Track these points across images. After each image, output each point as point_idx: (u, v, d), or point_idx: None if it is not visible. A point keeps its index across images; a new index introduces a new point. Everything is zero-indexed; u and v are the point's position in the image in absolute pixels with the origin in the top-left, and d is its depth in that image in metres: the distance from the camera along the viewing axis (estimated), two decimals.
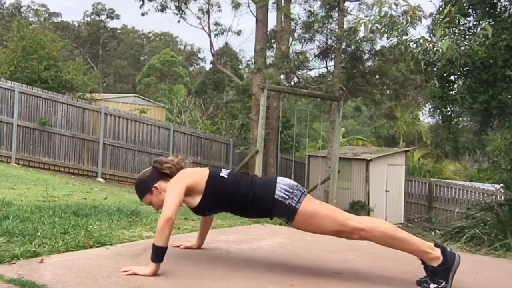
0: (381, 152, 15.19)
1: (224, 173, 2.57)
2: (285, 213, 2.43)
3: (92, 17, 46.51)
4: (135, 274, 2.27)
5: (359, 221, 2.40)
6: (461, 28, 7.15)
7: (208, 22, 18.16)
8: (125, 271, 2.30)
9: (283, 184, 2.47)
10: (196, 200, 2.49)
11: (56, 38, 15.21)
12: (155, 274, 2.29)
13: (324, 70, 15.30)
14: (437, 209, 16.16)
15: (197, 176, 2.52)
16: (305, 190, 2.52)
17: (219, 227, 3.97)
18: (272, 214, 2.51)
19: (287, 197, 2.42)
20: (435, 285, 2.31)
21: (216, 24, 18.63)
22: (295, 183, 2.51)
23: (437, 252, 2.34)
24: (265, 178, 2.61)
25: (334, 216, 2.41)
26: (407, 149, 17.55)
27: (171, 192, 2.41)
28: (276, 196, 2.42)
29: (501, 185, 8.72)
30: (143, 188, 2.63)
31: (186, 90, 28.43)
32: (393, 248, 2.44)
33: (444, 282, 2.30)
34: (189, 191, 2.47)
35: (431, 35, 6.66)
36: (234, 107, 18.20)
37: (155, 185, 2.58)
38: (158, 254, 2.29)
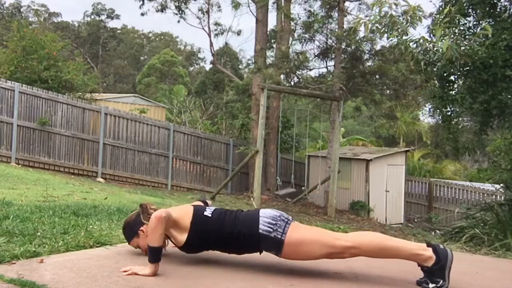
0: (381, 152, 15.19)
1: (208, 211, 2.55)
2: (272, 246, 2.42)
3: (92, 17, 46.51)
4: (135, 274, 2.28)
5: (346, 240, 2.40)
6: (461, 28, 7.15)
7: (208, 22, 18.18)
8: (125, 271, 2.30)
9: (266, 217, 2.44)
10: (183, 237, 2.48)
11: (56, 38, 15.21)
12: (154, 274, 2.29)
13: (324, 70, 15.32)
14: (437, 209, 16.17)
15: (182, 212, 2.52)
16: (290, 218, 2.48)
17: None
18: (260, 249, 2.50)
19: (271, 230, 2.40)
20: (433, 285, 2.31)
21: (216, 24, 18.65)
22: (278, 214, 2.48)
23: (429, 252, 2.35)
24: (248, 214, 2.56)
25: (322, 240, 2.40)
26: (407, 149, 17.54)
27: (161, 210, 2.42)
28: (260, 231, 2.40)
29: (501, 185, 8.72)
30: (130, 231, 2.64)
31: (186, 90, 28.43)
32: (384, 258, 2.45)
33: (441, 281, 2.30)
34: (175, 225, 2.47)
35: (431, 35, 6.66)
36: (234, 107, 18.20)
37: (142, 228, 2.57)
38: (154, 254, 2.30)
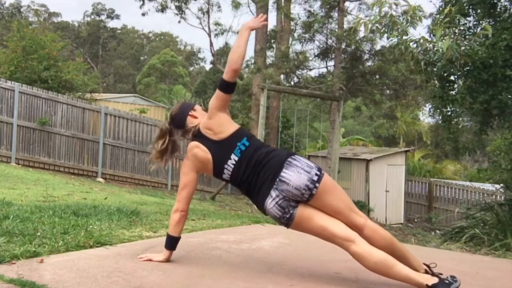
0: (381, 152, 15.19)
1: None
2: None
3: (92, 17, 46.53)
4: (150, 260, 2.56)
5: (345, 230, 2.38)
6: (461, 28, 7.15)
7: (208, 22, 18.18)
8: (141, 258, 2.59)
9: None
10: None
11: (56, 38, 15.20)
12: (167, 260, 2.58)
13: (324, 70, 15.32)
14: (437, 209, 16.16)
15: (226, 128, 2.61)
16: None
17: (219, 227, 3.97)
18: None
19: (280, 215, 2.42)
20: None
21: (216, 24, 18.63)
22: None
23: (432, 280, 2.24)
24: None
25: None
26: (407, 149, 17.54)
27: (184, 182, 2.61)
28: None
29: (501, 185, 8.72)
30: (181, 116, 2.75)
31: (186, 91, 28.43)
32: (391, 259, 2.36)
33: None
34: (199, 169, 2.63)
35: (431, 35, 6.66)
36: (234, 107, 18.20)
37: (191, 113, 2.76)
38: (172, 242, 2.58)
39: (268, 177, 2.38)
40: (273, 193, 2.35)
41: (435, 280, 2.23)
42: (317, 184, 2.33)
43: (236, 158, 2.48)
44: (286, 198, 2.33)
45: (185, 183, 2.60)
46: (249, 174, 2.44)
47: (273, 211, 2.36)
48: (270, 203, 2.35)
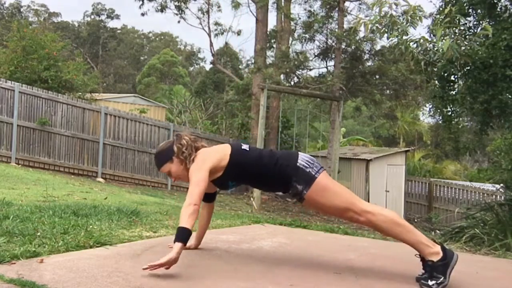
0: (381, 152, 15.19)
1: (245, 146, 2.71)
2: (304, 180, 2.53)
3: (92, 17, 46.53)
4: (161, 264, 2.24)
5: (367, 205, 2.52)
6: (462, 28, 7.15)
7: (208, 22, 18.18)
8: (150, 267, 2.24)
9: (305, 156, 2.63)
10: (219, 173, 2.60)
11: (56, 38, 15.19)
12: (179, 255, 2.28)
13: (324, 70, 15.32)
14: (437, 209, 16.16)
15: (220, 155, 2.61)
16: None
17: (219, 227, 3.97)
18: (290, 182, 2.56)
19: (308, 166, 2.56)
20: (433, 282, 2.33)
21: (216, 24, 18.65)
22: (315, 159, 2.67)
23: (437, 247, 2.39)
24: (286, 151, 2.77)
25: (346, 195, 2.54)
26: (407, 149, 17.55)
27: (196, 181, 2.47)
28: (298, 164, 2.56)
29: (501, 185, 8.72)
30: (164, 156, 2.70)
31: (186, 91, 28.43)
32: (395, 237, 2.49)
33: (442, 277, 2.32)
34: (212, 171, 2.56)
35: (432, 35, 6.66)
36: (234, 106, 18.21)
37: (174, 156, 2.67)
38: (184, 235, 2.31)
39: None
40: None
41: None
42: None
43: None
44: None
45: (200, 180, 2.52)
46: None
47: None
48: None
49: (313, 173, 2.54)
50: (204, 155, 2.61)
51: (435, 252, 2.37)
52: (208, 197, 2.84)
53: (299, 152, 2.67)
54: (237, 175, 2.63)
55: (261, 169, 2.59)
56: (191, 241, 2.89)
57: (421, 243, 2.40)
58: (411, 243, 2.42)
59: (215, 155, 2.62)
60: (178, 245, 2.29)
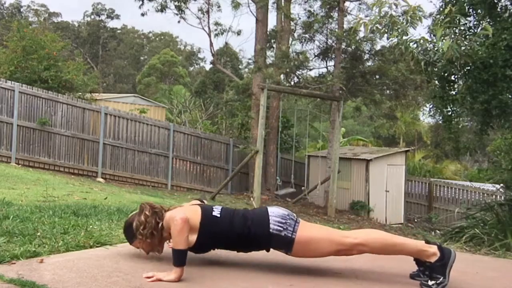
0: (381, 152, 15.18)
1: (216, 211, 2.52)
2: (282, 244, 2.44)
3: (92, 17, 46.53)
4: (160, 280, 2.21)
5: (354, 237, 2.43)
6: (462, 28, 7.14)
7: (208, 22, 18.16)
8: (148, 277, 2.23)
9: (275, 216, 2.45)
10: (193, 238, 2.43)
11: (56, 38, 15.20)
12: (180, 278, 2.24)
13: (324, 70, 15.30)
14: (437, 209, 16.15)
15: (190, 212, 2.47)
16: (296, 217, 2.51)
17: None
18: (269, 247, 2.51)
19: (282, 229, 2.42)
20: (433, 282, 2.33)
21: (216, 24, 18.62)
22: (286, 212, 2.50)
23: (434, 248, 2.39)
24: (257, 212, 2.55)
25: (331, 238, 2.43)
26: (407, 149, 17.52)
27: (176, 223, 2.31)
28: (271, 230, 2.42)
29: (501, 185, 8.72)
30: (130, 233, 2.56)
31: (186, 91, 28.43)
32: (392, 254, 2.47)
33: (442, 277, 2.33)
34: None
35: (432, 35, 6.66)
36: (234, 106, 18.20)
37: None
38: (180, 257, 2.27)
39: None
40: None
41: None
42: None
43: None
44: None
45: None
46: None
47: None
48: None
49: (289, 235, 2.40)
50: (176, 209, 2.47)
51: (432, 253, 2.38)
52: None
53: (269, 212, 2.46)
54: (211, 244, 2.51)
55: (235, 237, 2.46)
56: None
57: (418, 250, 2.40)
58: (409, 254, 2.43)
59: (185, 210, 2.46)
60: (178, 269, 2.26)
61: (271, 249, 2.53)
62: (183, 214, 2.33)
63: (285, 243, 2.42)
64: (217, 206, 2.62)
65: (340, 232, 2.50)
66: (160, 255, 2.62)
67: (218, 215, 2.50)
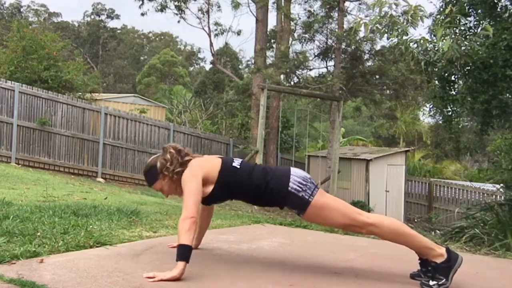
0: (381, 152, 15.18)
1: (236, 163, 2.57)
2: (297, 205, 2.45)
3: (92, 17, 46.54)
4: (162, 280, 2.19)
5: (368, 216, 2.45)
6: (462, 28, 7.15)
7: (208, 22, 18.17)
8: (149, 277, 2.21)
9: (297, 176, 2.48)
10: (208, 189, 2.48)
11: (56, 38, 15.19)
12: (182, 275, 2.23)
13: (324, 70, 15.30)
14: (437, 209, 16.15)
15: (210, 166, 2.51)
16: (317, 183, 2.56)
17: (219, 227, 3.97)
18: (283, 205, 2.53)
19: (300, 190, 2.44)
20: (434, 282, 2.32)
21: (216, 24, 18.64)
22: (308, 176, 2.53)
23: (442, 249, 2.38)
24: (279, 170, 2.58)
25: (345, 211, 2.45)
26: (407, 149, 17.53)
27: (189, 190, 2.38)
28: (289, 189, 2.44)
29: (501, 185, 8.72)
30: (152, 173, 2.60)
31: (186, 91, 28.42)
32: (399, 243, 2.46)
33: (444, 279, 2.31)
34: (203, 181, 2.46)
35: (432, 36, 6.66)
36: (234, 106, 18.20)
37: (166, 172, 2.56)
38: (185, 252, 2.26)
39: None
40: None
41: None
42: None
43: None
44: None
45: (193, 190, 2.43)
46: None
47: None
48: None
49: (307, 198, 2.42)
50: (194, 166, 2.50)
51: (439, 254, 2.36)
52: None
53: (291, 171, 2.51)
54: (227, 195, 2.55)
55: (252, 191, 2.49)
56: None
57: (426, 247, 2.38)
58: (417, 248, 2.41)
59: (204, 165, 2.51)
60: (181, 264, 2.24)
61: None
62: (193, 214, 2.31)
63: (301, 204, 2.43)
64: (238, 159, 2.67)
65: (355, 209, 2.51)
66: (158, 256, 2.61)
67: (238, 166, 2.54)
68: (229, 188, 2.51)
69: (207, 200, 2.55)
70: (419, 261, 2.44)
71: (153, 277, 2.21)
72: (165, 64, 37.11)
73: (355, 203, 14.03)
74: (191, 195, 2.37)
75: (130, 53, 47.57)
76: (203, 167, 2.49)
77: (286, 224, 4.49)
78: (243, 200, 2.62)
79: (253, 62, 16.77)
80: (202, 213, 2.83)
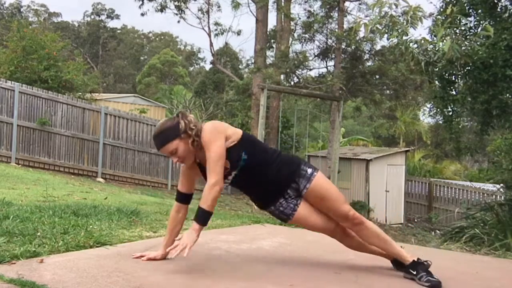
0: (381, 152, 15.19)
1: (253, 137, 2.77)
2: (304, 176, 2.56)
3: (92, 17, 46.54)
4: (184, 248, 2.28)
5: (356, 212, 2.61)
6: (462, 28, 7.15)
7: (208, 22, 18.18)
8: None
9: (305, 165, 2.67)
10: (233, 142, 2.46)
11: (56, 38, 15.19)
12: (198, 237, 2.36)
13: (324, 70, 15.31)
14: (437, 209, 16.16)
15: (233, 128, 2.53)
16: None
17: (219, 227, 3.97)
18: (293, 177, 2.56)
19: (309, 166, 2.64)
20: (421, 274, 2.44)
21: (216, 24, 18.65)
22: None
23: (411, 255, 2.58)
24: (291, 157, 2.79)
25: (342, 198, 2.62)
26: (407, 149, 17.53)
27: (216, 151, 2.35)
28: (300, 161, 2.66)
29: (501, 185, 8.72)
30: (170, 133, 2.43)
31: (186, 91, 28.43)
32: (379, 247, 2.62)
33: (425, 273, 2.44)
34: (227, 139, 2.45)
35: (432, 36, 6.66)
36: (234, 106, 18.21)
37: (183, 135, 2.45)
38: (207, 217, 2.37)
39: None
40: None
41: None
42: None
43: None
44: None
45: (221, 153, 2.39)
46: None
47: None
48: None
49: (315, 173, 2.61)
50: (218, 128, 2.44)
51: (409, 257, 2.56)
52: (186, 198, 2.63)
53: (301, 162, 2.66)
54: (247, 153, 2.48)
55: (268, 157, 2.56)
56: (159, 251, 2.64)
57: (399, 252, 2.59)
58: (393, 253, 2.61)
59: (228, 126, 2.51)
60: (199, 227, 2.35)
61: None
62: (221, 183, 2.36)
63: (308, 175, 2.56)
64: None
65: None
66: (157, 257, 2.59)
67: (255, 139, 2.73)
68: (250, 146, 2.51)
69: (233, 152, 2.45)
70: (392, 263, 2.65)
71: (170, 252, 2.35)
72: (165, 64, 37.12)
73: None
74: (219, 158, 2.36)
75: (130, 53, 47.58)
76: (227, 128, 2.48)
77: (286, 224, 4.49)
78: (255, 167, 2.52)
79: (253, 62, 16.78)
80: (174, 215, 2.67)
